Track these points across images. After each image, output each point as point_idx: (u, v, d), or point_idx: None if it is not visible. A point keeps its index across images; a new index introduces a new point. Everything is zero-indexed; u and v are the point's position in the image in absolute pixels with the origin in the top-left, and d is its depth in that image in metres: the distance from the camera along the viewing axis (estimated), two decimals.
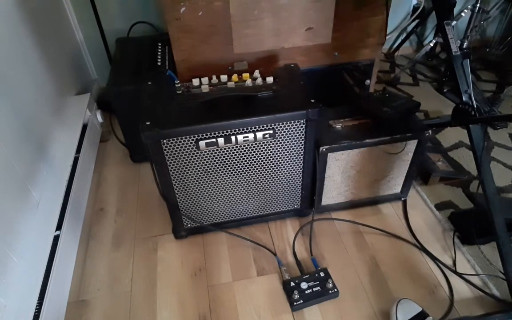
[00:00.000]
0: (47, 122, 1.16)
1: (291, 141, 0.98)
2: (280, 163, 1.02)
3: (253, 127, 0.92)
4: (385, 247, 1.10)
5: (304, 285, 0.97)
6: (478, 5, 1.73)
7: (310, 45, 1.22)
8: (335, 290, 0.97)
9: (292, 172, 1.05)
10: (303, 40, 1.21)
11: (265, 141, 0.96)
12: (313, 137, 0.98)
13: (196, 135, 0.91)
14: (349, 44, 1.25)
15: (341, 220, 1.17)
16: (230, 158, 0.97)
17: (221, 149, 0.95)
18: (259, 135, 0.94)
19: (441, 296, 0.97)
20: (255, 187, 1.06)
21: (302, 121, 0.94)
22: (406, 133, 1.05)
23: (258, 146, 0.96)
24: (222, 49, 1.17)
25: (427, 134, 1.06)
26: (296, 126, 0.95)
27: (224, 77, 1.02)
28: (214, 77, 1.02)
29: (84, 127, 1.35)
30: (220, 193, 1.05)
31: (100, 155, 1.46)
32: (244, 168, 1.00)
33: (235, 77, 1.02)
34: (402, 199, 1.23)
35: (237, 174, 1.01)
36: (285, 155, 1.00)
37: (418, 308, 0.90)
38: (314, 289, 0.96)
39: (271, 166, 1.02)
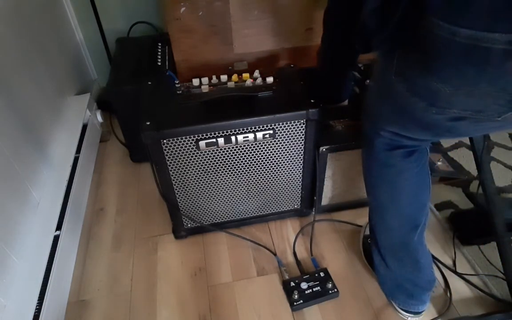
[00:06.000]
0: (47, 122, 1.16)
1: (291, 141, 0.98)
2: (280, 163, 1.02)
3: (253, 127, 0.92)
4: None
5: (304, 285, 0.97)
6: None
7: (310, 45, 1.22)
8: (335, 290, 0.97)
9: (292, 172, 1.05)
10: (303, 40, 1.21)
11: (265, 141, 0.96)
12: (313, 137, 0.98)
13: (196, 135, 0.91)
14: None
15: (341, 221, 1.17)
16: (230, 158, 0.97)
17: (221, 149, 0.95)
18: (259, 135, 0.94)
19: (441, 296, 0.98)
20: (255, 187, 1.06)
21: (302, 121, 0.94)
22: None
23: (258, 146, 0.96)
24: (222, 49, 1.17)
25: None
26: (296, 126, 0.95)
27: (224, 77, 1.02)
28: (214, 77, 1.02)
29: (84, 127, 1.35)
30: (220, 193, 1.05)
31: (100, 155, 1.46)
32: (244, 168, 1.00)
33: (235, 77, 1.02)
34: None
35: (237, 174, 1.01)
36: (285, 155, 1.00)
37: None
38: (314, 289, 0.96)
39: (271, 166, 1.02)
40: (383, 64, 0.73)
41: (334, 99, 1.15)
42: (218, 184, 1.03)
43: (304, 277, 0.99)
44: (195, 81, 1.00)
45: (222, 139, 0.92)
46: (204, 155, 0.95)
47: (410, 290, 0.90)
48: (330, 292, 0.96)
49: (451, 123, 0.65)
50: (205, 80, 1.01)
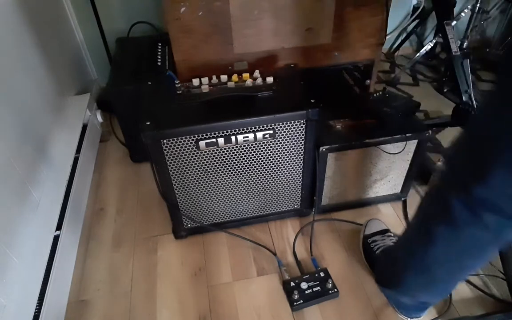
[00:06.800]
0: (47, 122, 1.16)
1: (291, 141, 0.98)
2: (280, 163, 1.02)
3: (253, 127, 0.92)
4: None
5: (304, 285, 0.97)
6: (478, 5, 1.73)
7: (310, 45, 1.22)
8: (335, 290, 0.97)
9: (292, 172, 1.05)
10: (303, 40, 1.21)
11: (265, 141, 0.96)
12: (313, 137, 0.98)
13: (196, 135, 0.91)
14: (349, 44, 1.25)
15: (341, 220, 1.17)
16: (230, 158, 0.97)
17: (221, 149, 0.95)
18: (259, 135, 0.94)
19: None
20: (255, 187, 1.06)
21: (302, 121, 0.94)
22: (406, 133, 1.05)
23: (258, 146, 0.96)
24: (222, 49, 1.17)
25: (427, 134, 1.06)
26: (296, 126, 0.95)
27: (224, 77, 1.02)
28: (214, 77, 1.02)
29: (84, 127, 1.35)
30: (220, 193, 1.05)
31: (100, 155, 1.46)
32: (244, 168, 1.00)
33: (235, 77, 1.02)
34: (402, 199, 1.23)
35: (237, 174, 1.01)
36: (285, 155, 1.00)
37: (384, 226, 1.06)
38: (314, 289, 0.96)
39: (271, 166, 1.02)
40: None
41: None
42: (218, 184, 1.03)
43: (304, 277, 0.99)
44: (195, 81, 1.01)
45: (222, 139, 0.92)
46: (204, 155, 0.95)
47: (416, 306, 0.89)
48: (330, 292, 0.96)
49: None
50: (205, 80, 1.01)
